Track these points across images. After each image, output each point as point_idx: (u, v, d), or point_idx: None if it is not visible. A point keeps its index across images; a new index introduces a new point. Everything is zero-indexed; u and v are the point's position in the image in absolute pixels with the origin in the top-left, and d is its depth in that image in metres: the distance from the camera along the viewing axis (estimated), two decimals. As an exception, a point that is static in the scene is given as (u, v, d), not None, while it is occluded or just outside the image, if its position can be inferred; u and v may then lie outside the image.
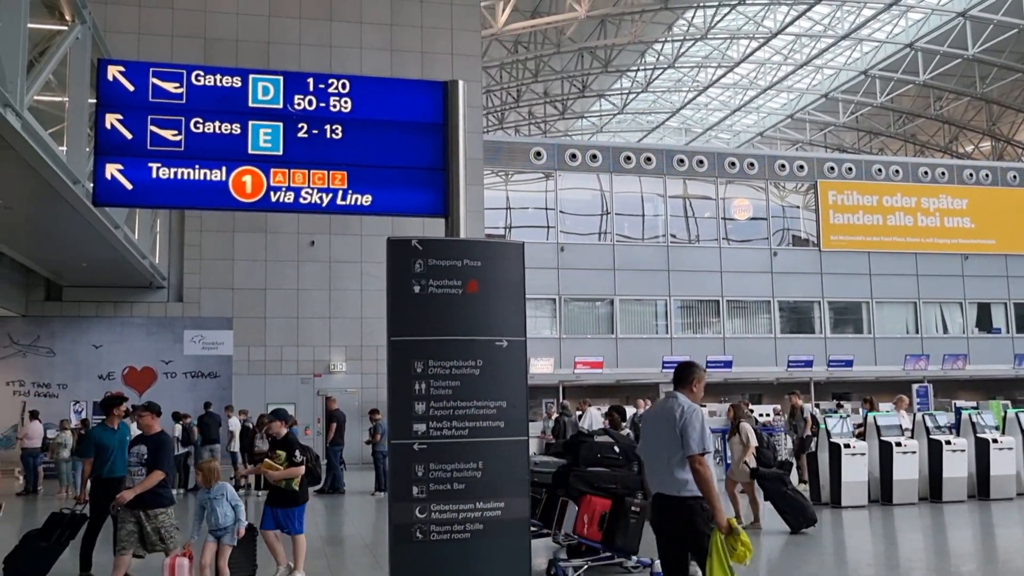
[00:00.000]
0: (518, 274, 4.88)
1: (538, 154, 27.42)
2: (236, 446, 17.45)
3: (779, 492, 10.71)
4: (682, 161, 28.19)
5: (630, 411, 16.69)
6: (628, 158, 27.89)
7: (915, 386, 24.88)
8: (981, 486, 13.44)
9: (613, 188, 27.79)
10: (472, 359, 4.66)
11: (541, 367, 24.70)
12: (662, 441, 5.12)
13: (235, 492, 7.37)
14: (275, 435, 8.09)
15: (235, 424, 17.83)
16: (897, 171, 29.66)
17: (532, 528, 7.96)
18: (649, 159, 27.98)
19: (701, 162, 28.29)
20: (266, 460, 7.93)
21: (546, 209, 27.56)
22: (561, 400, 24.13)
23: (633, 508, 7.67)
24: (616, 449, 8.15)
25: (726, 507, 9.70)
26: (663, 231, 28.11)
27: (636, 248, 27.85)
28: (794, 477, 15.42)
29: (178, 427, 17.32)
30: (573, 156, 27.66)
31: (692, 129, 51.74)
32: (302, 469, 7.73)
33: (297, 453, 7.74)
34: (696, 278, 27.71)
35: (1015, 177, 30.45)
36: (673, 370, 5.49)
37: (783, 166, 28.91)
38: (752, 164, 28.66)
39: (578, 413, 19.40)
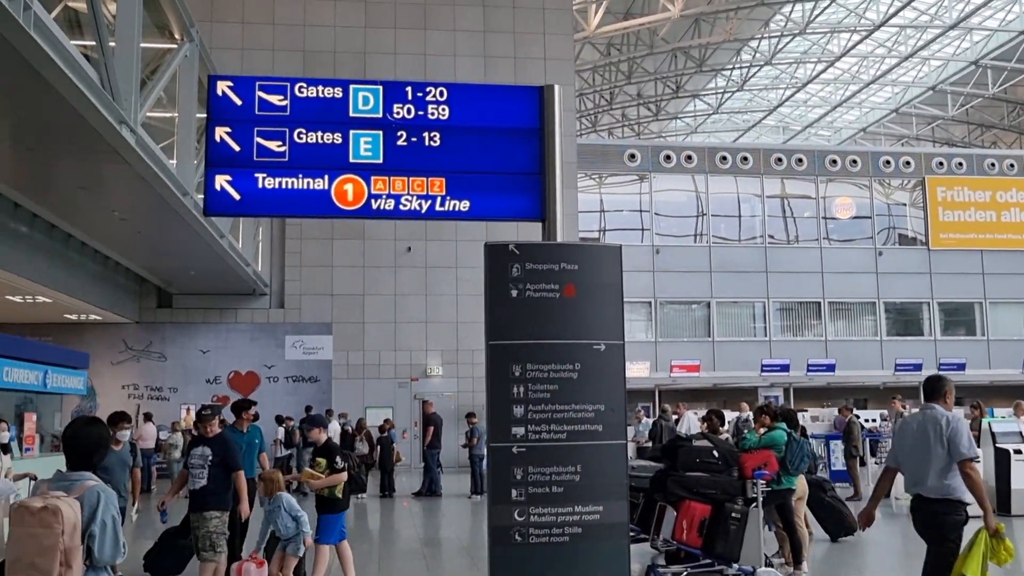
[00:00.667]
0: (616, 277, 4.85)
1: (632, 156, 27.23)
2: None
3: (818, 499, 10.36)
4: (780, 160, 27.55)
5: (729, 415, 16.38)
6: (724, 158, 27.42)
7: (1033, 391, 23.69)
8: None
9: (709, 189, 27.37)
10: (570, 363, 4.65)
11: (637, 370, 24.51)
12: (926, 448, 5.62)
13: (294, 502, 7.26)
14: (315, 442, 7.83)
15: (335, 427, 18.26)
16: (1012, 165, 28.28)
17: (630, 533, 7.91)
18: (746, 159, 27.45)
19: (800, 160, 27.58)
20: (306, 470, 7.77)
21: (640, 211, 27.33)
22: (659, 404, 23.89)
23: (733, 515, 7.52)
24: (715, 454, 8.00)
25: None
26: (760, 232, 27.52)
27: (733, 249, 27.35)
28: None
29: (280, 430, 17.88)
30: (668, 157, 27.35)
31: (790, 127, 50.49)
32: (344, 476, 7.44)
33: (338, 460, 7.47)
34: (795, 279, 27.02)
35: None
36: (922, 384, 6.18)
37: (888, 162, 27.93)
38: (855, 161, 27.77)
39: (675, 417, 19.15)
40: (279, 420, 18.10)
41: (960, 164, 28.13)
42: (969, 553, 5.35)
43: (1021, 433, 12.87)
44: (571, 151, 22.00)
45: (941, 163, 28.12)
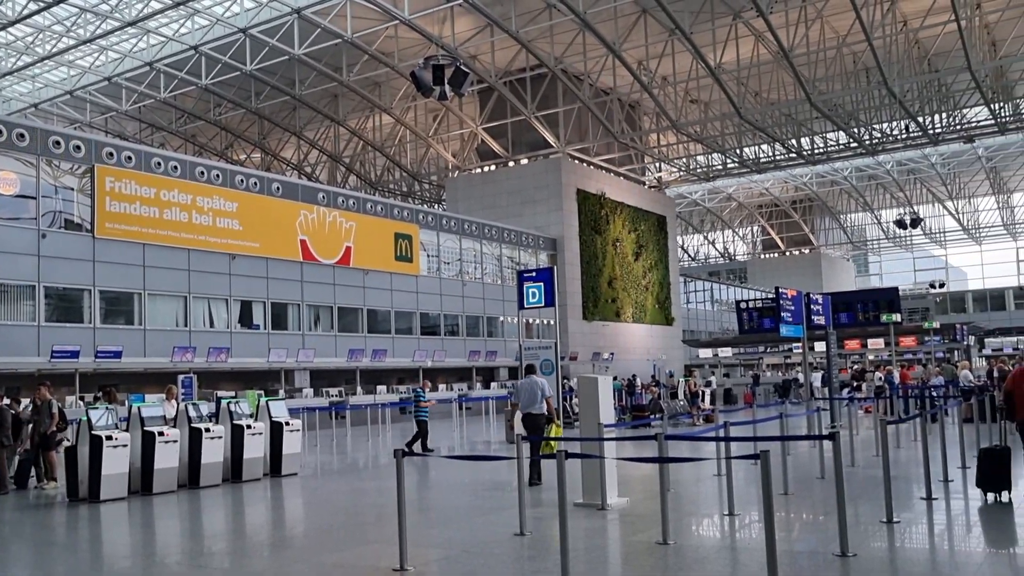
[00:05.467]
0: None
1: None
2: None
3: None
4: None
5: None
6: None
7: (181, 377, 25.61)
8: (235, 469, 14.43)
9: None
10: None
11: None
12: (533, 393, 12.87)
13: None
14: None
15: None
16: (176, 167, 30.18)
17: None
18: None
19: None
20: None
21: None
22: None
23: None
24: None
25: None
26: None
27: None
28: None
29: None
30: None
31: (-50, 85, 45.08)
32: None
33: None
34: (-56, 256, 24.14)
35: (279, 188, 33.61)
36: (526, 366, 14.26)
37: (59, 143, 27.02)
38: (23, 135, 26.15)
39: None
40: None
41: (129, 158, 28.85)
42: (548, 431, 12.90)
43: (165, 417, 13.84)
44: None
45: (112, 154, 28.41)
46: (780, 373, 48.65)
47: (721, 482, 11.02)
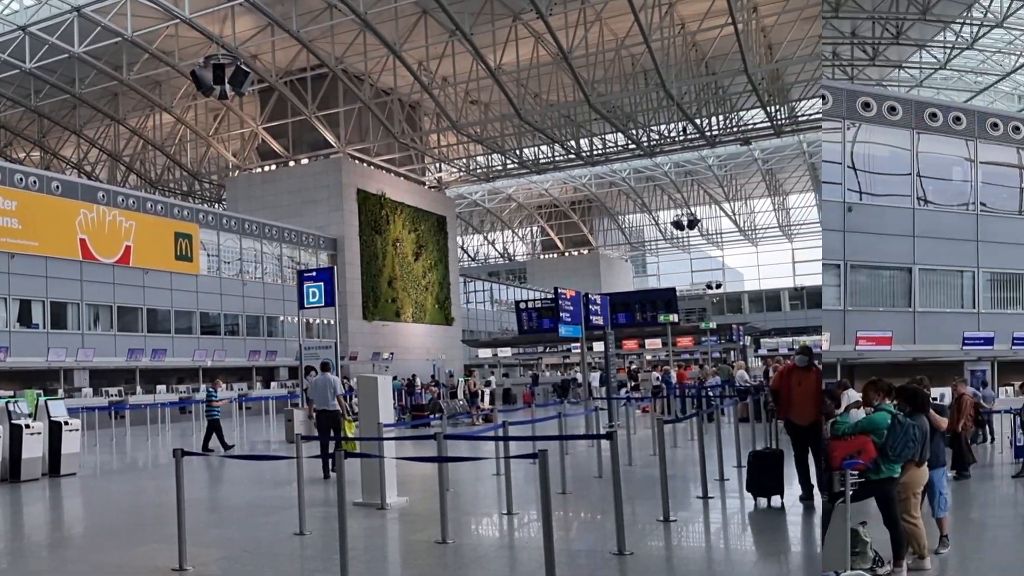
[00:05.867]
0: None
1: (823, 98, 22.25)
2: None
3: None
4: (996, 125, 27.48)
5: None
6: (934, 115, 26.48)
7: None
8: (13, 469, 14.07)
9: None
10: None
11: None
12: (325, 389, 13.39)
13: None
14: None
15: None
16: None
17: None
18: (958, 119, 26.91)
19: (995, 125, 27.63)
20: None
21: None
22: None
23: None
24: None
25: None
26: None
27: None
28: None
29: None
30: (866, 105, 25.60)
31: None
32: None
33: None
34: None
35: (58, 187, 32.92)
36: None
37: None
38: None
39: None
40: None
41: None
42: (344, 428, 13.64)
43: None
44: None
45: None
46: (559, 373, 48.50)
47: (500, 481, 10.78)
